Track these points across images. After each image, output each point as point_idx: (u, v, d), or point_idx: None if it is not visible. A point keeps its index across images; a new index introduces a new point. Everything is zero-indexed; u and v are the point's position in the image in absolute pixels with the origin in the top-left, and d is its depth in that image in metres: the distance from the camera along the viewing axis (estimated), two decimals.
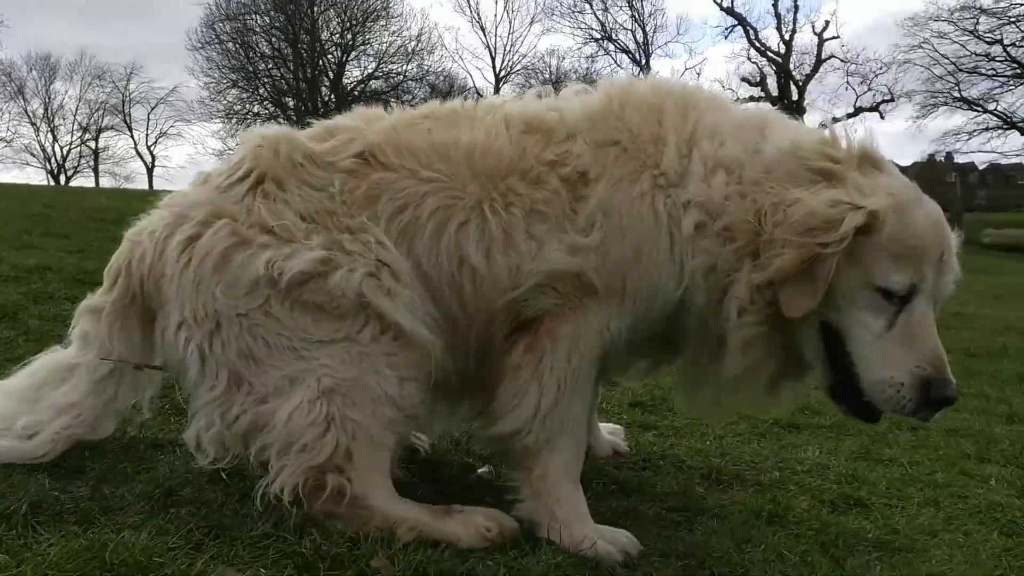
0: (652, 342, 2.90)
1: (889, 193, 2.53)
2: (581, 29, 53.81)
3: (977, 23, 42.67)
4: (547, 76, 53.29)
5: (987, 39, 42.80)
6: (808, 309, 2.49)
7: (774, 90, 48.87)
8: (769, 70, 50.10)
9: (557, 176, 2.71)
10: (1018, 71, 43.07)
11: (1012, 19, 41.95)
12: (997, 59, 43.20)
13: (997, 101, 44.14)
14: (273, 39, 48.04)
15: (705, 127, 2.75)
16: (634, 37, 58.06)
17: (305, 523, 2.49)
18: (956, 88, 44.04)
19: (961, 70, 43.59)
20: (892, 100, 46.59)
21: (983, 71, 43.60)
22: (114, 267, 2.79)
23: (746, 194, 2.61)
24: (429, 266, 2.68)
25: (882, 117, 48.05)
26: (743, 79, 50.34)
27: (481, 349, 2.79)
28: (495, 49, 57.25)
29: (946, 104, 44.46)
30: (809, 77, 49.24)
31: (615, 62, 56.27)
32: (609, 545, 2.57)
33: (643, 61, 58.18)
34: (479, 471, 3.20)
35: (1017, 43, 42.51)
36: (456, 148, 2.75)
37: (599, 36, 56.53)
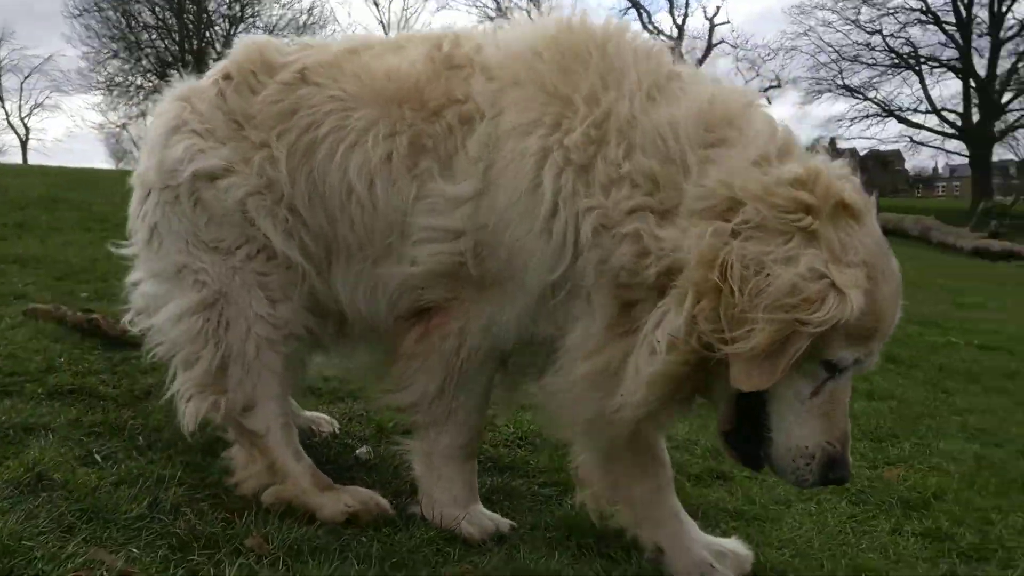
0: None
1: (864, 262, 2.23)
2: (476, 7, 53.65)
3: (859, 13, 44.37)
4: None
5: (867, 29, 44.55)
6: (764, 387, 2.22)
7: None
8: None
9: (457, 113, 2.58)
10: (896, 61, 44.98)
11: (891, 10, 43.79)
12: (877, 49, 45.01)
13: (877, 89, 45.99)
14: (157, 8, 46.21)
15: (618, 119, 2.43)
16: (529, 17, 58.16)
17: (180, 503, 2.53)
18: (839, 76, 45.65)
19: (844, 58, 45.22)
20: (779, 86, 47.86)
21: (864, 60, 45.35)
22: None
23: (680, 225, 2.30)
24: (324, 187, 2.69)
25: (769, 103, 48.98)
26: None
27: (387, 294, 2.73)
28: (389, 25, 56.57)
29: (830, 91, 46.06)
30: (700, 62, 50.11)
31: None
32: (471, 527, 2.67)
33: None
34: (357, 452, 3.27)
35: (895, 34, 44.41)
36: (371, 71, 2.73)
37: (494, 15, 56.52)
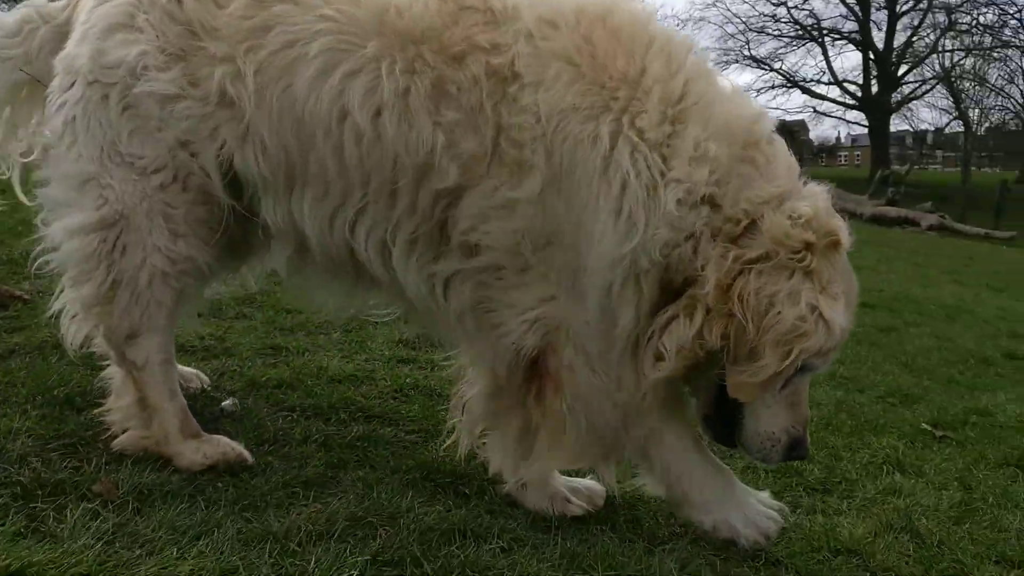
0: None
1: (845, 293, 2.47)
2: None
3: None
4: None
5: (773, 1, 45.44)
6: (757, 397, 2.49)
7: None
8: None
9: (485, 63, 2.45)
10: (800, 33, 46.03)
11: None
12: (782, 20, 45.98)
13: (782, 60, 47.29)
14: None
15: (698, 105, 2.45)
16: None
17: (28, 454, 2.52)
18: (746, 47, 46.55)
19: (751, 29, 46.11)
20: None
21: (770, 31, 46.33)
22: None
23: (716, 232, 2.43)
24: (305, 108, 2.54)
25: None
26: None
27: (378, 233, 2.63)
28: None
29: (737, 62, 46.90)
30: None
31: None
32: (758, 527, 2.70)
33: None
34: (223, 404, 3.28)
35: (799, 6, 45.41)
36: None
37: None
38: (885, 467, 3.61)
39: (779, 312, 2.37)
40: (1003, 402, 5.29)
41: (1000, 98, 50.63)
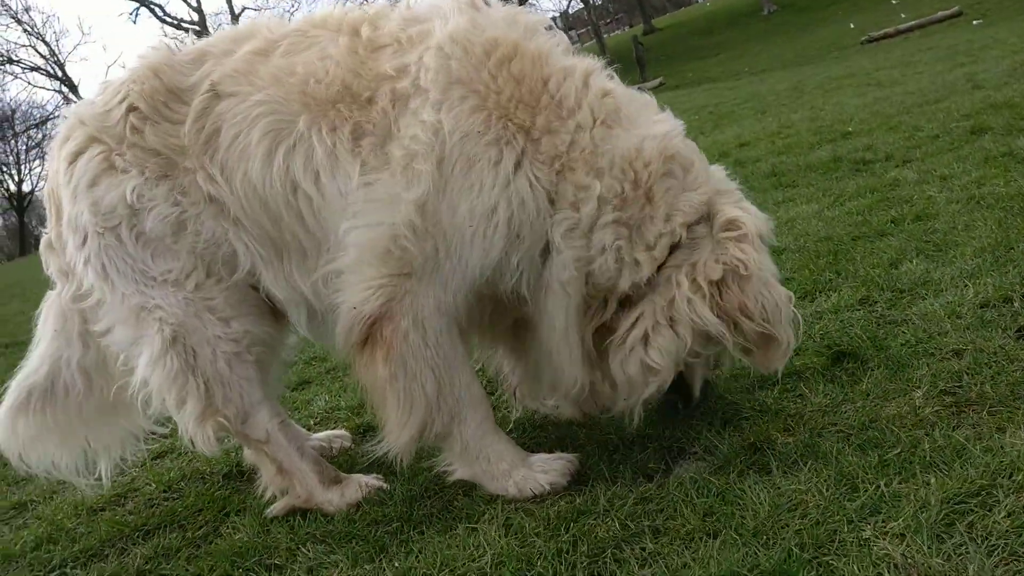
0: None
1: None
2: None
3: None
4: None
5: None
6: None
7: None
8: (194, 40, 49.32)
9: (389, 92, 2.65)
10: None
11: None
12: None
13: None
14: None
15: (585, 151, 2.62)
16: (38, 52, 54.04)
17: None
18: None
19: None
20: None
21: None
22: (47, 189, 3.04)
23: (640, 238, 2.63)
24: (264, 190, 2.76)
25: None
26: None
27: None
28: None
29: None
30: None
31: (30, 83, 52.18)
32: (548, 475, 2.77)
33: (60, 73, 54.38)
34: None
35: None
36: (292, 72, 2.77)
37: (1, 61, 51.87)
38: None
39: (771, 305, 2.58)
40: None
41: None
